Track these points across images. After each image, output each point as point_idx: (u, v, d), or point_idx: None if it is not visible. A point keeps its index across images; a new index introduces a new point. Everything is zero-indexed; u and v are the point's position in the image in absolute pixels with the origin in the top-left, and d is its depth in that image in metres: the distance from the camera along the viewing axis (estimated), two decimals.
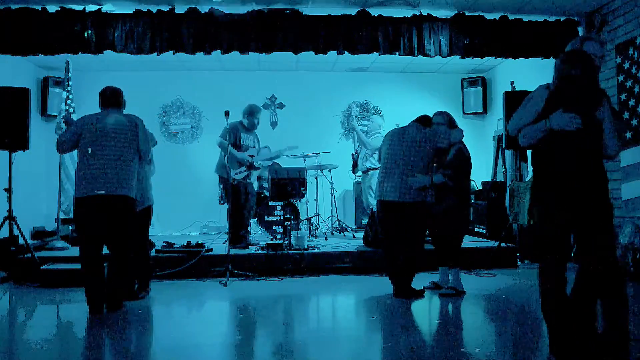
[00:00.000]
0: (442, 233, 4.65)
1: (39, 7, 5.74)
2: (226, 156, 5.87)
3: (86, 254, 3.93)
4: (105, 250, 4.00)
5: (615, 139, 2.64)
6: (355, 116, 7.93)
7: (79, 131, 3.96)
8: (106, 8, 5.85)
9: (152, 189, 4.54)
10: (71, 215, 5.77)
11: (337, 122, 9.12)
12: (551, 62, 6.40)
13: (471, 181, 4.76)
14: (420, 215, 4.44)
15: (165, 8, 5.90)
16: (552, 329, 2.70)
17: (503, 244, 6.08)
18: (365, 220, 7.26)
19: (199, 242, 5.66)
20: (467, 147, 4.62)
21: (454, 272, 4.58)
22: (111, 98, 4.11)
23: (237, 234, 6.08)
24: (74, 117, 6.14)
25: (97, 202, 3.85)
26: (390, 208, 4.49)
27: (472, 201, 7.91)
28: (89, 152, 3.88)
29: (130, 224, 4.07)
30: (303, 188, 6.80)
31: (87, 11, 5.81)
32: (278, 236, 6.65)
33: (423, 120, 4.60)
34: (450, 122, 4.61)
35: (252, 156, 6.26)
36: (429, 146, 4.43)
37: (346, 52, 6.23)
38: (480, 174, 8.61)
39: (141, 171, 4.24)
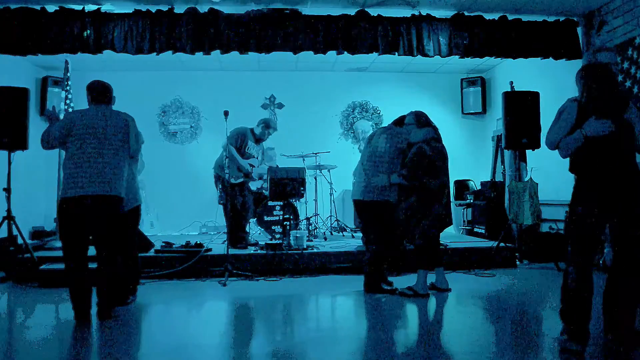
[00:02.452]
0: (406, 232, 4.68)
1: (38, 7, 5.74)
2: (227, 159, 5.85)
3: (75, 257, 3.73)
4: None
5: None
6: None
7: (68, 127, 3.73)
8: (105, 8, 5.85)
9: (139, 189, 4.39)
10: None
11: (336, 122, 9.11)
12: (550, 62, 6.42)
13: (441, 180, 4.44)
14: (382, 214, 4.60)
15: (165, 8, 5.90)
16: (574, 324, 2.87)
17: (502, 244, 6.09)
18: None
19: (198, 242, 5.66)
20: (436, 146, 4.48)
21: (421, 272, 4.50)
22: (103, 94, 3.92)
23: (237, 234, 6.08)
24: None
25: (92, 202, 3.67)
26: (356, 205, 4.78)
27: (468, 200, 7.92)
28: (84, 149, 3.69)
29: (120, 224, 3.92)
30: (302, 188, 6.80)
31: (86, 11, 5.82)
32: (277, 236, 6.65)
33: (397, 121, 4.76)
34: (419, 121, 4.58)
35: (252, 166, 6.29)
36: (392, 146, 4.59)
37: (345, 52, 6.23)
38: (479, 174, 8.63)
39: (129, 170, 4.10)
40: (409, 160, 4.49)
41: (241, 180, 6.23)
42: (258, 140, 6.42)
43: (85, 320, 3.67)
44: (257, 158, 6.42)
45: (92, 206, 3.69)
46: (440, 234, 4.70)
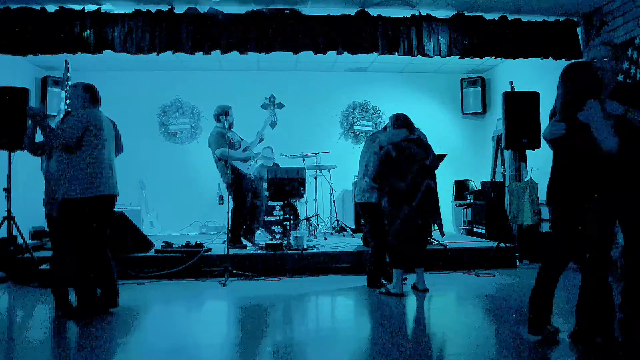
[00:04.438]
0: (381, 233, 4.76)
1: (38, 7, 5.74)
2: (228, 161, 5.89)
3: (84, 254, 3.83)
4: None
5: (605, 134, 2.78)
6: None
7: (83, 128, 3.77)
8: (105, 8, 5.85)
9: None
10: None
11: (336, 122, 9.11)
12: (550, 62, 6.42)
13: (408, 182, 4.40)
14: (368, 214, 4.89)
15: (165, 8, 5.90)
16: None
17: (502, 244, 6.08)
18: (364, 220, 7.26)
19: (198, 242, 5.66)
20: (403, 147, 4.44)
21: (395, 272, 4.52)
22: (98, 96, 4.06)
23: (239, 233, 6.11)
24: None
25: (108, 201, 3.89)
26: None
27: (468, 200, 7.92)
28: (100, 150, 3.83)
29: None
30: (302, 188, 6.79)
31: (86, 11, 5.82)
32: (277, 236, 6.64)
33: (385, 126, 4.92)
34: (394, 124, 4.63)
35: (247, 148, 6.29)
36: (370, 150, 4.78)
37: (345, 52, 6.23)
38: (479, 174, 8.63)
39: None
40: (376, 163, 4.59)
41: (255, 165, 6.27)
42: (229, 127, 6.38)
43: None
44: (241, 139, 6.40)
45: (109, 204, 3.93)
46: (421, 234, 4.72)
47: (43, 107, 3.82)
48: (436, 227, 4.77)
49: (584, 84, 2.90)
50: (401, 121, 4.61)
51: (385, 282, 4.75)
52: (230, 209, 5.93)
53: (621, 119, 2.80)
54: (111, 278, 3.99)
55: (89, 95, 3.98)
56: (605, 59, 2.98)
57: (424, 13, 6.20)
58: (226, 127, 6.05)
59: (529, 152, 6.36)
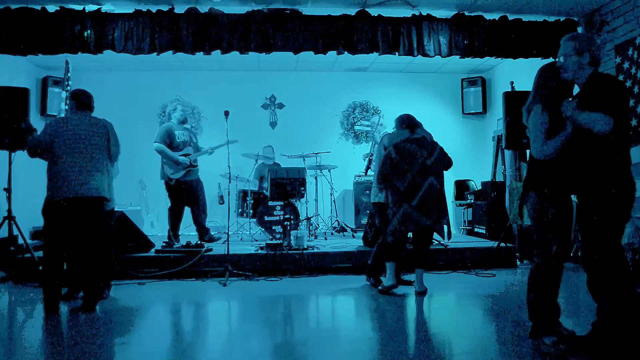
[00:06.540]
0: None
1: (38, 7, 5.74)
2: (164, 159, 6.12)
3: (54, 256, 3.98)
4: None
5: (532, 140, 2.87)
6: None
7: (52, 134, 3.97)
8: (106, 8, 5.86)
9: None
10: None
11: (336, 122, 9.11)
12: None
13: (408, 180, 4.42)
14: (377, 213, 5.00)
15: (165, 8, 5.91)
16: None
17: (503, 244, 6.08)
18: (364, 220, 7.26)
19: (199, 242, 5.67)
20: (404, 147, 4.46)
21: (388, 265, 4.60)
22: (87, 102, 4.18)
23: (174, 232, 6.26)
24: None
25: (78, 203, 3.93)
26: None
27: (469, 200, 7.91)
28: (71, 155, 3.94)
29: (103, 224, 4.21)
30: (303, 188, 6.80)
31: (86, 11, 5.82)
32: (277, 236, 6.65)
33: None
34: (399, 125, 4.66)
35: (187, 155, 6.28)
36: (378, 152, 4.87)
37: (346, 52, 6.24)
38: (480, 174, 8.63)
39: (109, 174, 4.32)
40: (379, 165, 4.62)
41: (183, 172, 6.25)
42: (182, 122, 6.46)
43: (57, 313, 3.94)
44: (190, 145, 6.39)
45: (80, 207, 3.96)
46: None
47: (29, 123, 4.40)
48: (445, 229, 4.69)
49: (540, 86, 2.87)
50: (404, 122, 4.64)
51: (383, 279, 4.75)
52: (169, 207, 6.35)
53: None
54: (90, 282, 4.03)
55: (75, 102, 4.16)
56: (568, 56, 2.78)
57: (424, 13, 6.20)
58: (173, 122, 6.36)
59: (529, 152, 6.35)
